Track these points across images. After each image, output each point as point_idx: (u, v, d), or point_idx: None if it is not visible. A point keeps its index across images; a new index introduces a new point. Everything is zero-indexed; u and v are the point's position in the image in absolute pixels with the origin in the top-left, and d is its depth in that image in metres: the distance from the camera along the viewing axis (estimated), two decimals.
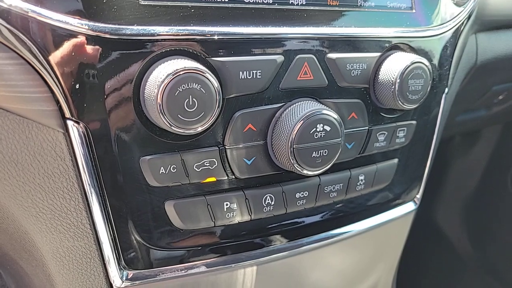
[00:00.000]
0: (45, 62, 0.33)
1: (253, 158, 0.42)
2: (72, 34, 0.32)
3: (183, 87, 0.34)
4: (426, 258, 1.61)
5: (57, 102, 0.34)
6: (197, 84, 0.34)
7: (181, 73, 0.33)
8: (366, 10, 0.44)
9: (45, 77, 0.33)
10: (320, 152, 0.41)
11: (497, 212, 1.57)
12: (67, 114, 0.34)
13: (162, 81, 0.33)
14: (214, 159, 0.40)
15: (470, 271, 1.60)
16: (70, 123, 0.35)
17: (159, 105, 0.33)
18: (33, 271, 0.48)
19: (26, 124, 0.35)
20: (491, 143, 1.53)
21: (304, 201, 0.46)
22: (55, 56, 0.32)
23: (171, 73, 0.33)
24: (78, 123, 0.35)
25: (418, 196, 0.57)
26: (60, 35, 0.32)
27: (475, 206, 1.62)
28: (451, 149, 1.61)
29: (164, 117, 0.34)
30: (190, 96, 0.34)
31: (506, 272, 1.53)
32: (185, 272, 0.43)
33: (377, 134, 0.48)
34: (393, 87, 0.44)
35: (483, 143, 1.54)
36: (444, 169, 1.66)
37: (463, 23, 0.54)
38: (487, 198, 1.59)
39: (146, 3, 0.34)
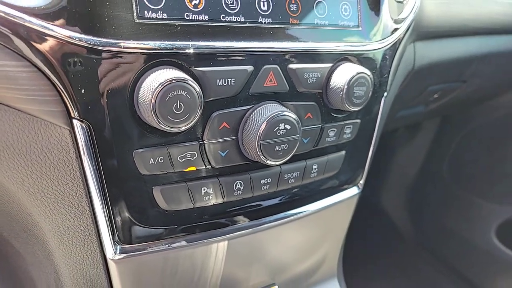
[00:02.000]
0: (55, 71, 0.38)
1: (227, 151, 0.50)
2: (79, 48, 0.38)
3: (172, 93, 0.40)
4: (371, 236, 1.75)
5: (64, 104, 0.40)
6: (183, 91, 0.41)
7: (170, 82, 0.40)
8: (321, 28, 0.52)
9: (54, 83, 0.39)
10: (282, 146, 0.50)
11: (433, 196, 1.74)
12: (73, 114, 0.41)
13: (155, 89, 0.40)
14: (195, 152, 0.47)
15: (409, 247, 1.78)
16: (75, 121, 0.41)
17: (153, 109, 0.40)
18: (28, 249, 0.53)
19: (36, 122, 0.41)
20: (430, 135, 1.69)
21: (268, 186, 0.55)
22: (64, 66, 0.38)
23: (162, 83, 0.40)
24: (82, 121, 0.41)
25: (361, 182, 0.68)
26: (69, 49, 0.38)
27: (415, 190, 1.78)
28: (395, 140, 1.76)
29: (156, 118, 0.41)
30: (178, 101, 0.41)
31: (440, 248, 1.72)
32: (168, 246, 0.51)
33: (328, 131, 0.57)
34: (341, 92, 0.53)
35: (423, 135, 1.69)
36: (389, 158, 1.82)
37: (401, 36, 0.63)
38: (425, 183, 1.76)
39: (140, 22, 0.41)
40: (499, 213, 1.52)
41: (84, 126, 0.41)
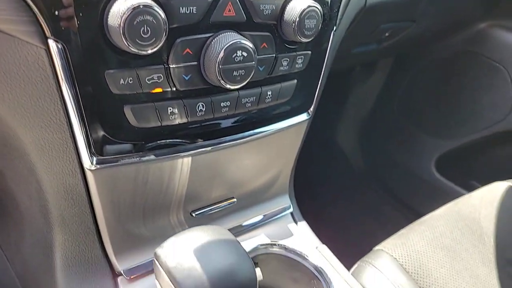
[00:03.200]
0: None
1: (190, 75, 0.55)
2: None
3: (140, 18, 0.45)
4: (324, 166, 1.89)
5: (40, 24, 0.44)
6: (150, 16, 0.46)
7: (138, 7, 0.45)
8: None
9: (30, 5, 0.43)
10: (239, 72, 0.56)
11: (384, 131, 1.89)
12: (48, 34, 0.45)
13: (124, 13, 0.44)
14: (161, 75, 0.53)
15: (358, 177, 1.95)
16: (50, 41, 0.45)
17: (122, 32, 0.45)
18: (9, 164, 0.58)
19: (14, 42, 0.45)
20: (384, 74, 1.80)
21: (227, 109, 0.61)
22: None
23: (129, 7, 0.44)
24: (57, 41, 0.45)
25: (311, 109, 0.76)
26: None
27: (368, 126, 1.92)
28: (352, 78, 1.85)
29: (125, 41, 0.45)
30: (145, 25, 0.45)
31: (386, 178, 1.90)
32: (139, 159, 0.57)
33: (282, 60, 0.63)
34: (293, 24, 0.58)
35: (377, 74, 1.80)
36: (346, 95, 1.92)
37: None
38: (377, 119, 1.89)
39: None
40: (439, 146, 1.69)
41: (59, 46, 0.45)
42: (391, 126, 1.83)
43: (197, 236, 0.47)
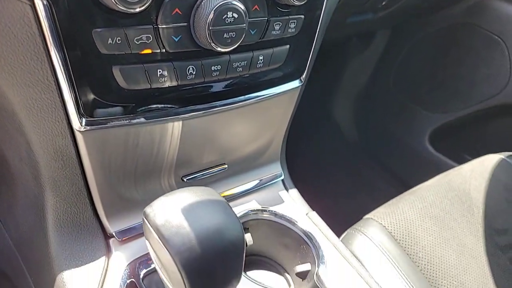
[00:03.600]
0: None
1: (180, 36, 0.54)
2: None
3: None
4: (317, 138, 1.89)
5: None
6: None
7: None
8: None
9: None
10: (230, 34, 0.55)
11: (379, 104, 1.88)
12: None
13: None
14: (150, 35, 0.52)
15: (352, 150, 1.96)
16: None
17: None
18: None
19: None
20: (381, 46, 1.78)
21: (218, 73, 0.61)
22: None
23: None
24: None
25: (303, 76, 0.75)
26: None
27: (363, 98, 1.92)
28: (349, 50, 1.83)
29: None
30: None
31: (379, 151, 1.91)
32: (129, 122, 0.57)
33: (274, 24, 0.62)
34: None
35: (374, 45, 1.78)
36: (343, 67, 1.91)
37: None
38: (373, 92, 1.89)
39: None
40: (432, 120, 1.69)
41: (45, 2, 0.44)
42: (387, 98, 1.83)
43: (187, 196, 0.47)
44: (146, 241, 0.49)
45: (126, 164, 0.64)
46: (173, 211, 0.45)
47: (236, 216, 0.48)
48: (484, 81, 1.49)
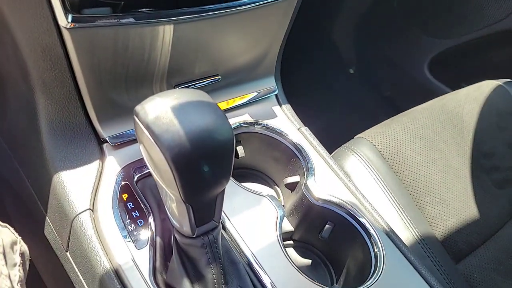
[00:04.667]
0: None
1: None
2: None
3: None
4: (316, 58, 1.85)
5: None
6: None
7: None
8: None
9: None
10: None
11: (381, 29, 1.82)
12: None
13: None
14: None
15: (349, 75, 1.93)
16: None
17: None
18: None
19: None
20: None
21: None
22: None
23: None
24: None
25: None
26: None
27: (365, 23, 1.85)
28: None
29: None
30: None
31: (377, 77, 1.89)
32: (117, 21, 0.55)
33: None
34: None
35: None
36: None
37: None
38: (375, 16, 1.81)
39: None
40: (435, 46, 1.65)
41: None
42: (390, 22, 1.77)
43: (178, 96, 0.47)
44: (139, 144, 0.50)
45: (116, 68, 0.63)
46: (163, 109, 0.45)
47: (226, 118, 0.48)
48: (491, 4, 1.43)
